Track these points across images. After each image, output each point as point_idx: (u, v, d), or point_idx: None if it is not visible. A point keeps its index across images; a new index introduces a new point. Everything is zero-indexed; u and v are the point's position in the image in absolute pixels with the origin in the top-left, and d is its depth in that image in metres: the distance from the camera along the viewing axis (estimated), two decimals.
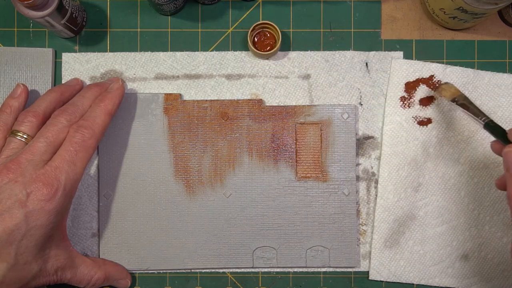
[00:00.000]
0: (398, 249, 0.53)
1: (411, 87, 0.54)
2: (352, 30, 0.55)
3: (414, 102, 0.54)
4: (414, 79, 0.54)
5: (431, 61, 0.54)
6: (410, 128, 0.54)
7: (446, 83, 0.52)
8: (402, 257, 0.53)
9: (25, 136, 0.46)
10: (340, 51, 0.55)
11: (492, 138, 0.45)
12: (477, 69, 0.55)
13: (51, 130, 0.46)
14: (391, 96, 0.54)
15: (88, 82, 0.54)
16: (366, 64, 0.54)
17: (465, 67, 0.54)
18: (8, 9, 0.55)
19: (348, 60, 0.54)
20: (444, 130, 0.53)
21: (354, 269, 0.54)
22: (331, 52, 0.55)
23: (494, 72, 0.54)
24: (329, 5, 0.55)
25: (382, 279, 0.53)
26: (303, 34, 0.55)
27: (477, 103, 0.53)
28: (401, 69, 0.54)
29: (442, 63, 0.55)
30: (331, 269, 0.54)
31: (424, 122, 0.54)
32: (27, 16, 0.47)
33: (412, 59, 0.55)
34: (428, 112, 0.54)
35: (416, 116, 0.54)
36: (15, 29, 0.55)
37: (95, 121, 0.47)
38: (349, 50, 0.55)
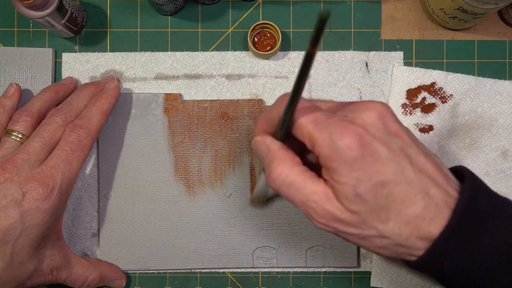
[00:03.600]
0: None
1: (412, 94, 0.54)
2: (352, 30, 0.55)
3: (415, 109, 0.54)
4: (416, 86, 0.54)
5: (430, 61, 0.55)
6: None
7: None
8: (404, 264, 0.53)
9: (20, 136, 0.47)
10: (340, 51, 0.55)
11: None
12: (477, 69, 0.55)
13: (46, 129, 0.46)
14: (393, 103, 0.54)
15: (87, 82, 0.54)
16: (366, 64, 0.54)
17: (465, 67, 0.55)
18: (8, 9, 0.55)
19: (348, 60, 0.54)
20: (446, 137, 0.53)
21: (354, 269, 0.54)
22: (331, 52, 0.54)
23: (496, 79, 0.54)
24: (329, 5, 0.55)
25: (383, 286, 0.53)
26: (303, 34, 0.55)
27: (479, 110, 0.53)
28: (403, 76, 0.54)
29: (442, 63, 0.55)
30: (331, 269, 0.54)
31: (425, 129, 0.53)
32: (27, 16, 0.47)
33: (412, 59, 0.55)
34: (429, 119, 0.53)
35: (417, 123, 0.53)
36: (15, 29, 0.55)
37: (90, 121, 0.47)
38: (349, 50, 0.55)
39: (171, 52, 0.55)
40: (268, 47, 0.54)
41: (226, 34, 0.55)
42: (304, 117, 0.36)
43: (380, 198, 0.34)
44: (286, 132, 0.37)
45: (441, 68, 0.55)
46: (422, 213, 0.34)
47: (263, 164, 0.39)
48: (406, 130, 0.37)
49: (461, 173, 0.37)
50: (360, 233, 0.35)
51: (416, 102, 0.54)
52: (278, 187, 0.37)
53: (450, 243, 0.34)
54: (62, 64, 0.54)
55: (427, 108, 0.53)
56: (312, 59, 0.32)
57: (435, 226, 0.34)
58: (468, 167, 0.52)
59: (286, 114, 0.36)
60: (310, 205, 0.36)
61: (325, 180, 0.36)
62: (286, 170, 0.37)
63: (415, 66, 0.55)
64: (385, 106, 0.36)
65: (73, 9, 0.50)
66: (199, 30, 0.55)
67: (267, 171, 0.38)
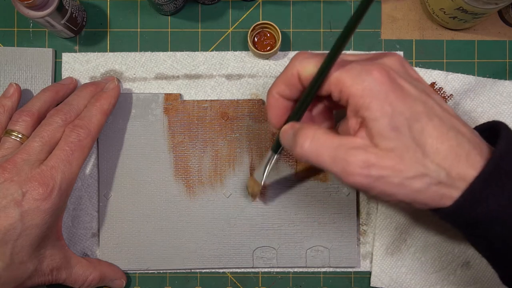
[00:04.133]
0: (400, 256, 0.53)
1: None
2: None
3: None
4: None
5: (430, 61, 0.55)
6: None
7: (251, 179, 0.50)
8: (404, 264, 0.53)
9: (20, 136, 0.47)
10: None
11: None
12: (477, 69, 0.55)
13: (46, 129, 0.46)
14: None
15: (87, 82, 0.54)
16: None
17: (465, 67, 0.55)
18: (8, 9, 0.55)
19: None
20: None
21: (354, 269, 0.54)
22: None
23: (496, 79, 0.54)
24: (329, 5, 0.55)
25: (383, 286, 0.53)
26: (303, 34, 0.55)
27: (479, 110, 0.53)
28: None
29: (442, 63, 0.55)
30: (331, 269, 0.54)
31: None
32: (27, 16, 0.47)
33: (412, 59, 0.55)
34: None
35: None
36: (15, 29, 0.55)
37: (90, 121, 0.47)
38: (349, 50, 0.55)
39: (171, 52, 0.55)
40: (268, 47, 0.54)
41: (226, 34, 0.55)
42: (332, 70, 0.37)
43: (415, 132, 0.34)
44: (317, 89, 0.38)
45: (441, 68, 0.55)
46: (457, 149, 0.35)
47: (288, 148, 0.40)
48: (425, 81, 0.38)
49: (496, 126, 0.38)
50: (397, 175, 0.35)
51: None
52: (306, 151, 0.37)
53: (488, 185, 0.34)
54: (62, 64, 0.54)
55: None
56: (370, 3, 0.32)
57: (471, 163, 0.35)
58: None
59: (324, 69, 0.36)
60: (341, 157, 0.35)
61: (354, 135, 0.37)
62: (311, 132, 0.37)
63: (415, 66, 0.55)
64: (402, 57, 0.38)
65: (73, 9, 0.50)
66: (199, 30, 0.55)
67: (294, 145, 0.38)
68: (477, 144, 0.36)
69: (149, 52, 0.55)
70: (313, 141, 0.37)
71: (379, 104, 0.35)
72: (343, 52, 0.36)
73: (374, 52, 0.39)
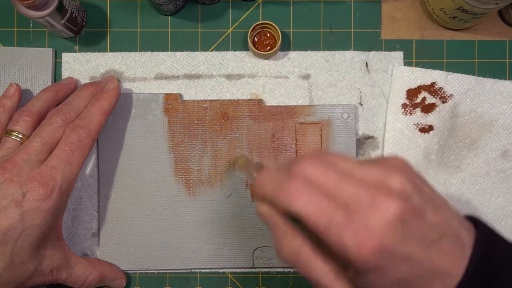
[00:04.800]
0: None
1: (412, 94, 0.54)
2: (352, 30, 0.55)
3: (415, 109, 0.53)
4: (416, 86, 0.54)
5: (430, 61, 0.55)
6: (412, 135, 0.53)
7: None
8: None
9: (20, 136, 0.47)
10: (340, 51, 0.55)
11: None
12: (477, 69, 0.55)
13: (46, 129, 0.46)
14: (393, 103, 0.54)
15: (87, 82, 0.54)
16: (366, 64, 0.54)
17: (465, 67, 0.55)
18: (8, 9, 0.55)
19: (348, 60, 0.54)
20: (446, 137, 0.53)
21: None
22: (331, 52, 0.54)
23: (496, 79, 0.54)
24: (329, 5, 0.55)
25: None
26: (303, 34, 0.55)
27: (479, 110, 0.53)
28: (403, 76, 0.54)
29: (442, 63, 0.55)
30: None
31: (425, 129, 0.53)
32: (27, 16, 0.47)
33: (412, 59, 0.55)
34: (429, 119, 0.53)
35: (417, 123, 0.53)
36: (15, 29, 0.55)
37: (91, 121, 0.47)
38: (349, 50, 0.55)
39: (171, 52, 0.55)
40: (268, 47, 0.54)
41: (226, 34, 0.55)
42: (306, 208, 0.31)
43: None
44: None
45: (441, 68, 0.55)
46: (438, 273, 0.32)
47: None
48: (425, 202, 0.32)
49: (474, 224, 0.35)
50: None
51: (416, 102, 0.54)
52: (292, 263, 0.35)
53: None
54: (62, 64, 0.54)
55: (427, 108, 0.53)
56: None
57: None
58: (468, 167, 0.53)
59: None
60: (323, 286, 0.34)
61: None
62: (299, 243, 0.34)
63: (415, 66, 0.55)
64: (409, 178, 0.31)
65: (73, 9, 0.50)
66: (199, 30, 0.55)
67: (277, 245, 0.35)
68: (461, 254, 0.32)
69: (149, 52, 0.55)
70: (300, 254, 0.34)
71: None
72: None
73: (376, 169, 0.32)
